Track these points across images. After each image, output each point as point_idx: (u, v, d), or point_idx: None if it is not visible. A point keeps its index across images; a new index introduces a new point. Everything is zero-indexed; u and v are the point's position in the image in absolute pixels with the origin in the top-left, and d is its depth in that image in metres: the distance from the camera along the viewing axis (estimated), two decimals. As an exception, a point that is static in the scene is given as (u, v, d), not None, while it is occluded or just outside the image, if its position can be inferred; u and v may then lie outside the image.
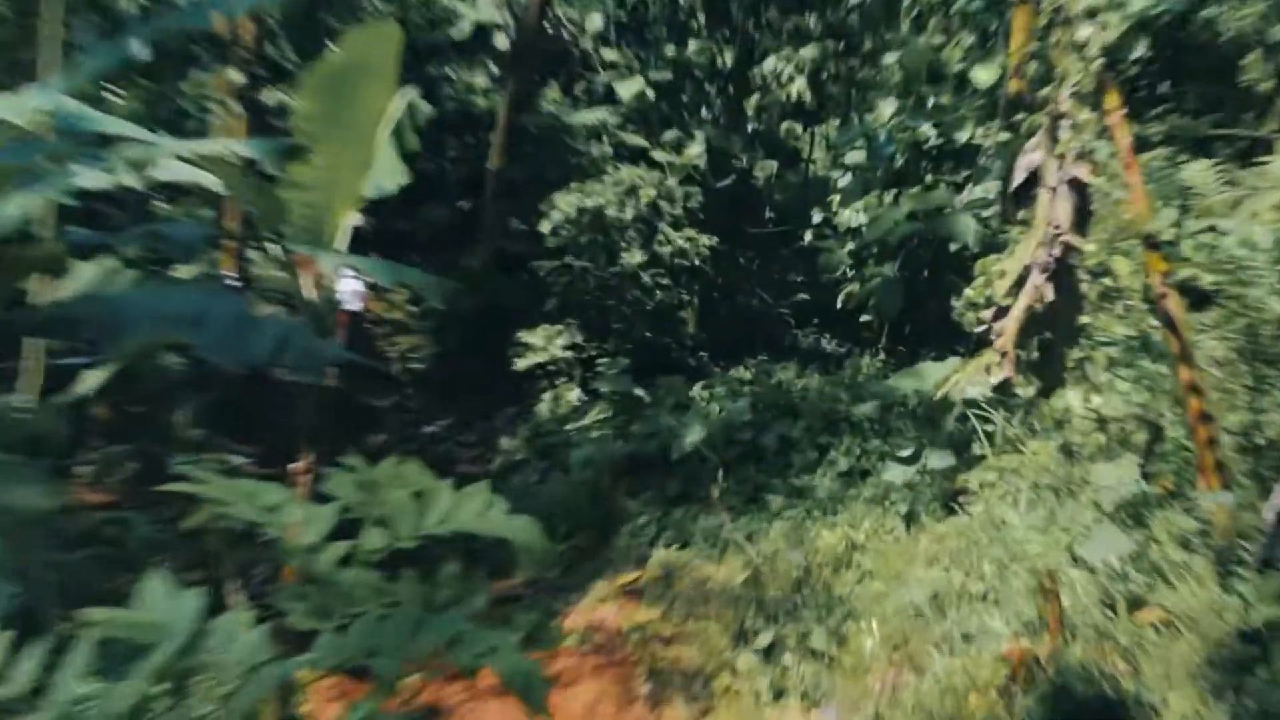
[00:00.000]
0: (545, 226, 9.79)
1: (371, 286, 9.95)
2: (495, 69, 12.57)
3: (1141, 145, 7.35)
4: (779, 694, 5.59)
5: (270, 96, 9.88)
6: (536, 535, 1.31)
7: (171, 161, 5.60)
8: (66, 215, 4.99)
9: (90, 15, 9.47)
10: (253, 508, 1.30)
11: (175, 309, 4.45)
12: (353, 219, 5.75)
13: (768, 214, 11.61)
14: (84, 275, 4.80)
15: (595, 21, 12.29)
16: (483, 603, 1.25)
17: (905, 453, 6.95)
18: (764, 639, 5.87)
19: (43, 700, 1.13)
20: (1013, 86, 8.23)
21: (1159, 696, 4.49)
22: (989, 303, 7.30)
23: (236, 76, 8.93)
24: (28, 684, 1.18)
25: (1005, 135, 8.16)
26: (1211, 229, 6.81)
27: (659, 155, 10.45)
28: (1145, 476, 5.65)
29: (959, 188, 9.28)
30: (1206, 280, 7.26)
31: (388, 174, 6.09)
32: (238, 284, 8.39)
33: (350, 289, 9.72)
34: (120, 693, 1.12)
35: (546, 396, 10.00)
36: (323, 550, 1.23)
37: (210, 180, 5.64)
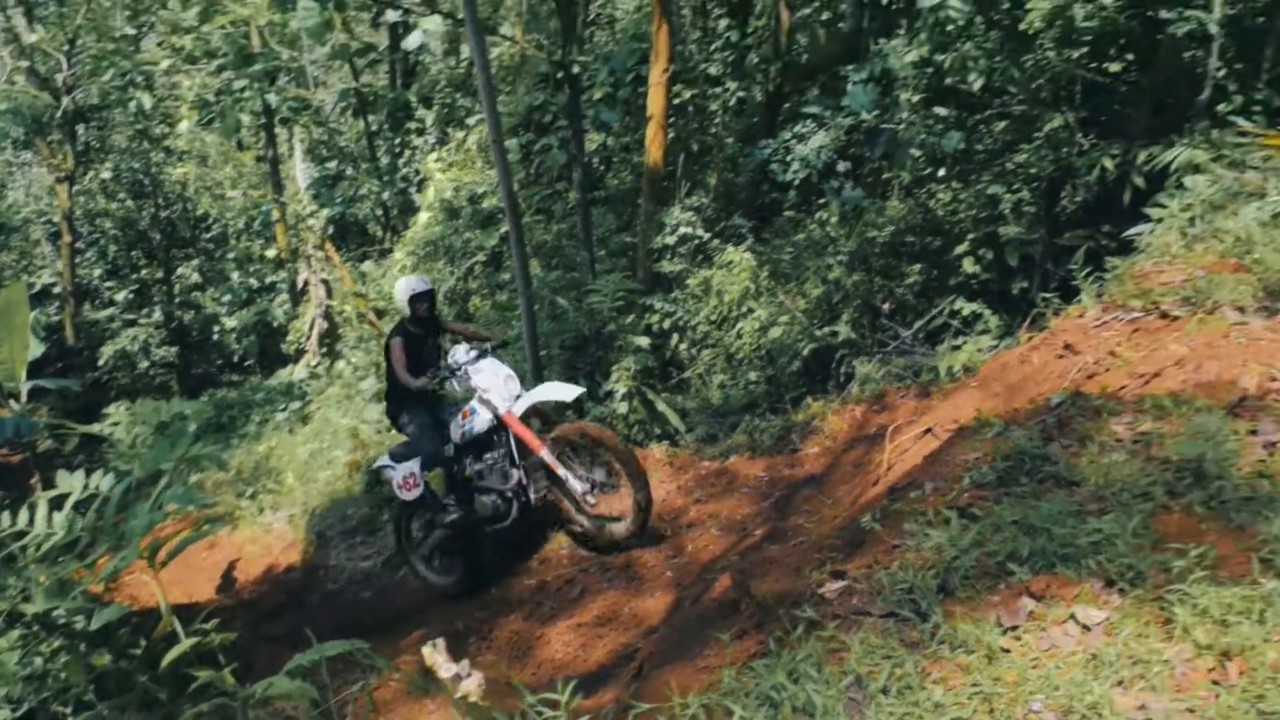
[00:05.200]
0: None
1: None
2: None
3: (345, 258, 18.47)
4: (261, 510, 15.00)
5: None
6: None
7: None
8: None
9: None
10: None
11: None
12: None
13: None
14: None
15: None
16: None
17: (283, 406, 16.82)
18: (249, 492, 15.22)
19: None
20: (284, 252, 18.75)
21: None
22: (299, 335, 17.78)
23: None
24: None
25: (285, 272, 18.62)
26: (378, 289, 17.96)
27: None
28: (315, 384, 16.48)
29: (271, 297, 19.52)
30: (377, 305, 18.88)
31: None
32: None
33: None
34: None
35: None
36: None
37: None
